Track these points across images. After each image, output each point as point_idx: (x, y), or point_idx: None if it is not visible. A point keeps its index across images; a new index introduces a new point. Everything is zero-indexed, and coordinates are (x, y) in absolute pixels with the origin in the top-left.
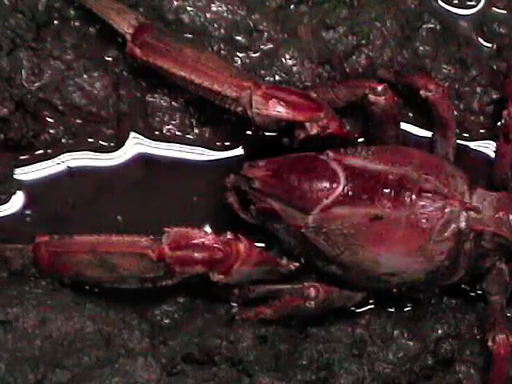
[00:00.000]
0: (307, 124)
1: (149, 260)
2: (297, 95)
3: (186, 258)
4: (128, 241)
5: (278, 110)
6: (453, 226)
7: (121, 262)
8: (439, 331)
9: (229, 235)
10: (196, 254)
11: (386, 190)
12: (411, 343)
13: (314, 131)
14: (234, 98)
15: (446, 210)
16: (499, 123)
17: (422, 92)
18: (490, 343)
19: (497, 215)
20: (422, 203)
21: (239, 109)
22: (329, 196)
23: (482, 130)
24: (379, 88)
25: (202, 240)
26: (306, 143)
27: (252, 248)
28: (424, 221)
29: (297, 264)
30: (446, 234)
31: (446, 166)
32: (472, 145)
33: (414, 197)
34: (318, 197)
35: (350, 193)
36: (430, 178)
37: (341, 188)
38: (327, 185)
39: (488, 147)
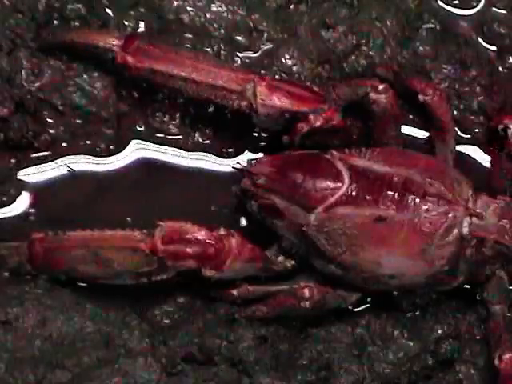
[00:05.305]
0: (311, 116)
1: (142, 254)
2: (301, 87)
3: (177, 252)
4: (121, 235)
5: (283, 100)
6: (455, 231)
7: (114, 257)
8: (439, 331)
9: (222, 230)
10: (188, 249)
11: (390, 192)
12: (411, 343)
13: (317, 123)
14: (238, 92)
15: (450, 215)
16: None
17: (420, 96)
18: (496, 362)
19: (500, 223)
20: (425, 207)
21: (243, 103)
22: (332, 195)
23: (481, 131)
24: (380, 86)
25: (195, 235)
26: (305, 143)
27: (244, 244)
28: (427, 224)
29: (292, 262)
30: (448, 239)
31: (451, 171)
32: (471, 147)
33: (418, 200)
34: (321, 195)
35: (353, 193)
36: (434, 182)
37: (345, 188)
38: (331, 184)
39: (486, 149)
